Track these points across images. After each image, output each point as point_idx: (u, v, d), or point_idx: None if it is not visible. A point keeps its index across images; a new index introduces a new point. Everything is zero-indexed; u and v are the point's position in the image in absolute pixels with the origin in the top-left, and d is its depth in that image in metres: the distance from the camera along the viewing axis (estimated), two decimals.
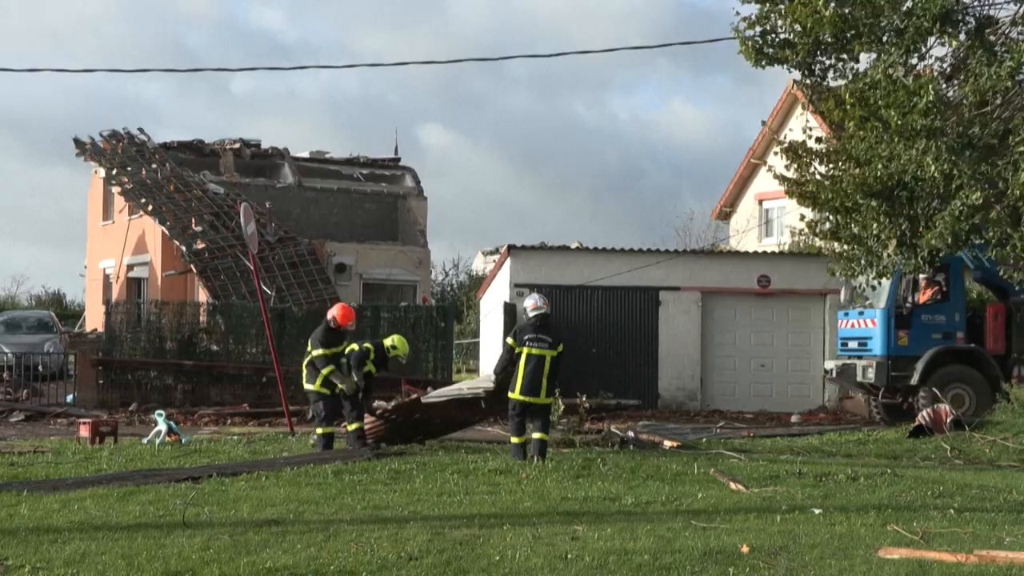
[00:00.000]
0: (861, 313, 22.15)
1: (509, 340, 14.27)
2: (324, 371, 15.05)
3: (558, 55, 26.37)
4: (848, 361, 22.19)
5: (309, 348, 15.42)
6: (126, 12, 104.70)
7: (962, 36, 13.87)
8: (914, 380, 21.10)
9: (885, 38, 13.74)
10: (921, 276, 21.67)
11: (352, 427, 15.15)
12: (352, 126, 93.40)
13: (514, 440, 14.08)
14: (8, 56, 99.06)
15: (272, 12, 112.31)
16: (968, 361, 21.51)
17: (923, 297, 21.84)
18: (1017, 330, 21.77)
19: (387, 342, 15.71)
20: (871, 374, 21.42)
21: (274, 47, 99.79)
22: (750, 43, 14.59)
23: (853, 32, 13.85)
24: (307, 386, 15.37)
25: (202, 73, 79.81)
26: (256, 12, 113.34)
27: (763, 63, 14.79)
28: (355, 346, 15.53)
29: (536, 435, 13.99)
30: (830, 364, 22.88)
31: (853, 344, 22.31)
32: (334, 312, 15.59)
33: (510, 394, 14.03)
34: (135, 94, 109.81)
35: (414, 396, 15.34)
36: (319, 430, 15.27)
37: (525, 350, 13.97)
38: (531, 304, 14.45)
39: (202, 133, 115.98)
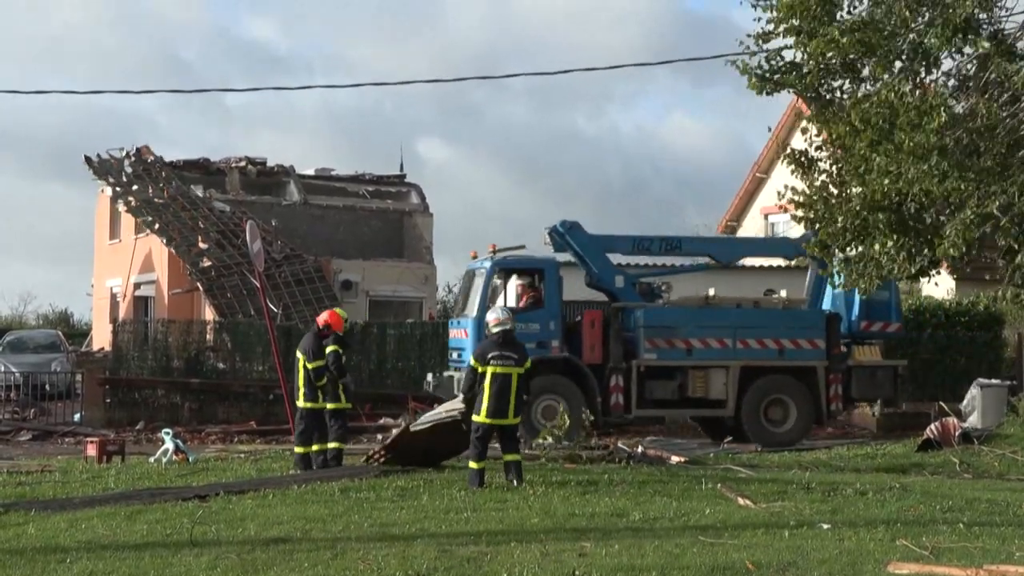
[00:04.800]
0: (459, 323, 21.38)
1: (472, 360, 13.45)
2: (319, 383, 14.89)
3: (562, 72, 26.47)
4: (450, 373, 21.22)
5: (304, 362, 14.95)
6: (115, 24, 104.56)
7: (985, 44, 13.92)
8: None
9: (904, 56, 13.83)
10: (517, 282, 20.98)
11: (333, 446, 15.05)
12: (350, 138, 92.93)
13: (473, 466, 13.10)
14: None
15: (264, 22, 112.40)
16: (563, 371, 20.59)
17: (522, 304, 20.76)
18: (615, 338, 20.72)
19: (331, 321, 15.31)
20: (459, 386, 20.40)
21: (267, 58, 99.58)
22: (754, 73, 14.68)
23: (867, 53, 13.91)
24: (309, 404, 15.04)
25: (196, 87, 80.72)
26: (248, 23, 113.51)
27: (768, 90, 14.87)
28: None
29: (509, 457, 13.34)
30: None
31: (455, 355, 21.40)
32: (326, 318, 15.27)
33: (475, 417, 13.21)
34: (128, 108, 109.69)
35: (402, 427, 15.18)
36: (332, 444, 14.90)
37: (490, 369, 13.07)
38: (493, 319, 13.58)
39: (197, 146, 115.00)
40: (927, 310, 24.68)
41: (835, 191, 16.07)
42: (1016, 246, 14.56)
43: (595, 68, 26.43)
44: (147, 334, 26.34)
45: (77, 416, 24.12)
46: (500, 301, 20.47)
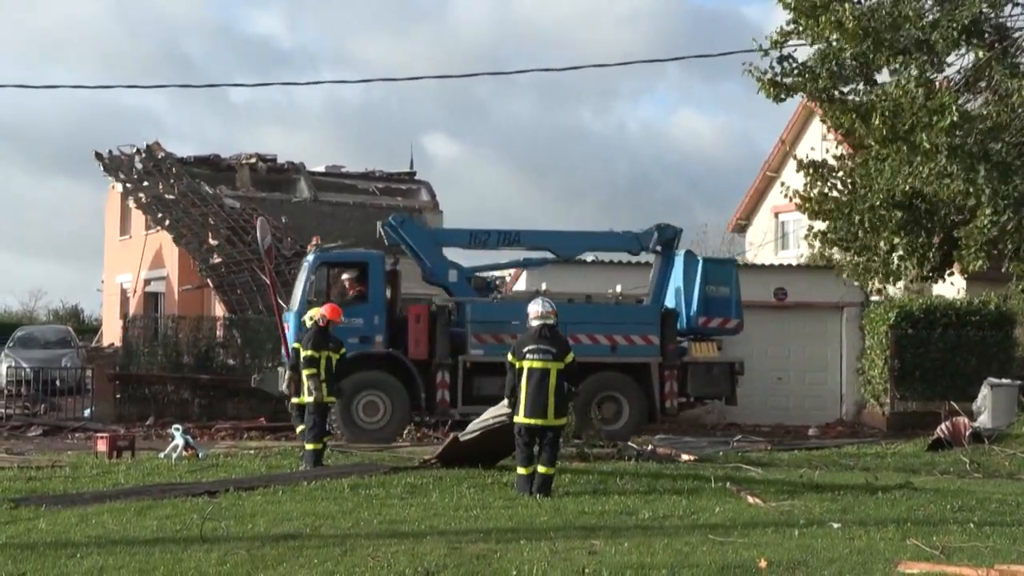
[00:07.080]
0: (285, 317, 20.93)
1: (509, 356, 12.58)
2: (305, 372, 15.02)
3: (571, 68, 26.47)
4: (279, 367, 20.95)
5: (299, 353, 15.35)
6: (117, 19, 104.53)
7: (982, 53, 13.94)
8: None
9: (909, 52, 13.83)
10: (345, 276, 20.56)
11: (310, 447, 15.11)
12: (356, 134, 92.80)
13: (520, 471, 12.39)
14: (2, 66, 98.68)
15: (268, 17, 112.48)
16: (386, 367, 20.17)
17: (348, 298, 20.25)
18: (442, 333, 20.18)
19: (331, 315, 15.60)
20: (283, 383, 19.77)
21: (272, 53, 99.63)
22: (766, 78, 14.71)
23: (874, 43, 13.91)
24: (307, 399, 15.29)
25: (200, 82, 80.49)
26: (251, 18, 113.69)
27: (782, 95, 14.90)
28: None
29: (540, 468, 12.26)
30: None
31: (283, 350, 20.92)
32: (326, 312, 15.51)
33: (515, 417, 12.38)
34: (134, 105, 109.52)
35: (452, 436, 15.07)
36: (310, 445, 15.10)
37: (526, 364, 12.24)
38: (534, 311, 12.74)
39: (202, 142, 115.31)
40: (937, 309, 24.56)
41: (845, 192, 16.07)
42: None
43: (604, 64, 26.58)
44: (157, 330, 26.37)
45: (87, 412, 24.17)
46: (324, 296, 20.15)
